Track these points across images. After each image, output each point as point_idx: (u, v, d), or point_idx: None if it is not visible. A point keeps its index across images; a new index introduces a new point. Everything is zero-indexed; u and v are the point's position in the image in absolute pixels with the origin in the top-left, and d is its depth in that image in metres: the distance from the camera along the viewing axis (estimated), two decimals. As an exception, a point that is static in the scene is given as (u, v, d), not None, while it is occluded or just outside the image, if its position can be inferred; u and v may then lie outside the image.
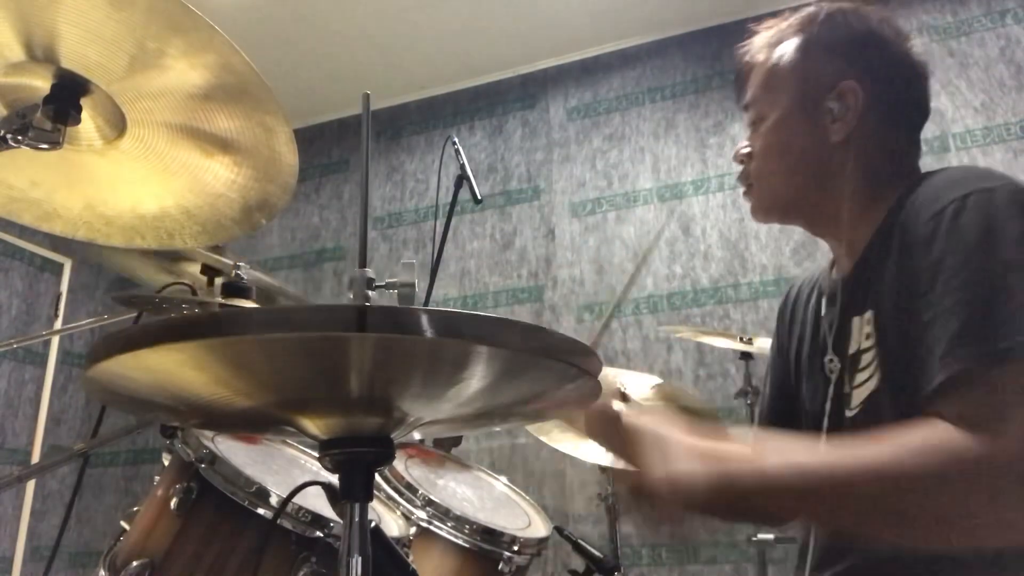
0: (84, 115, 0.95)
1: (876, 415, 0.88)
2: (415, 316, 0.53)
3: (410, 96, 4.01)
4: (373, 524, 0.82)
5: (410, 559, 1.00)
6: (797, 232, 3.04)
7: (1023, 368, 0.70)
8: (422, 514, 1.29)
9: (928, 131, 3.06)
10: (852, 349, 0.94)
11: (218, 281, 1.52)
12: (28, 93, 0.93)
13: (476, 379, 0.65)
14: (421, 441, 1.55)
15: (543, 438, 1.81)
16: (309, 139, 4.12)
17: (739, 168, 1.07)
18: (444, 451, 1.63)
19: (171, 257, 1.52)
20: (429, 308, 0.54)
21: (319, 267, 3.93)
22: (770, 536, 1.95)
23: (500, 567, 1.30)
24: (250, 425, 1.03)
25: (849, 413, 0.94)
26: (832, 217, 0.99)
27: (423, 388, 0.67)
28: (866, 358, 0.91)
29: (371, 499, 0.75)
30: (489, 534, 1.31)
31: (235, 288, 1.39)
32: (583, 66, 3.74)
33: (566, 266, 3.44)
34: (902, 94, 0.98)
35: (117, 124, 0.99)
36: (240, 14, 3.38)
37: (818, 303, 1.06)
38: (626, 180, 3.47)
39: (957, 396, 0.73)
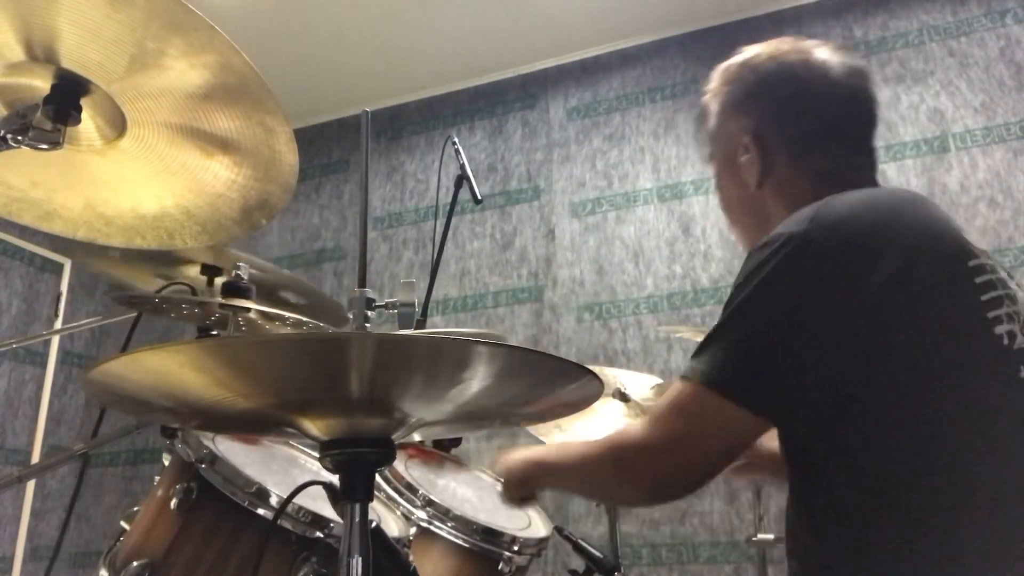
0: (84, 115, 0.95)
1: None
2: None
3: (410, 96, 4.01)
4: (373, 524, 0.82)
5: (410, 559, 1.00)
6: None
7: (688, 387, 0.87)
8: (422, 514, 1.29)
9: (928, 131, 3.11)
10: None
11: (218, 281, 1.52)
12: (28, 93, 0.93)
13: (476, 379, 0.65)
14: (421, 442, 1.54)
15: (543, 438, 1.81)
16: (309, 139, 4.12)
17: None
18: (444, 451, 1.63)
19: (168, 260, 1.52)
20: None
21: (319, 267, 3.93)
22: (770, 536, 1.95)
23: (500, 567, 1.30)
24: (251, 426, 1.03)
25: None
26: None
27: (423, 389, 0.67)
28: None
29: (371, 499, 0.75)
30: (489, 534, 1.31)
31: (235, 288, 1.39)
32: (583, 66, 3.73)
33: (566, 266, 3.44)
34: (814, 123, 1.04)
35: (117, 124, 0.99)
36: (240, 14, 3.38)
37: None
38: (626, 180, 3.47)
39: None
